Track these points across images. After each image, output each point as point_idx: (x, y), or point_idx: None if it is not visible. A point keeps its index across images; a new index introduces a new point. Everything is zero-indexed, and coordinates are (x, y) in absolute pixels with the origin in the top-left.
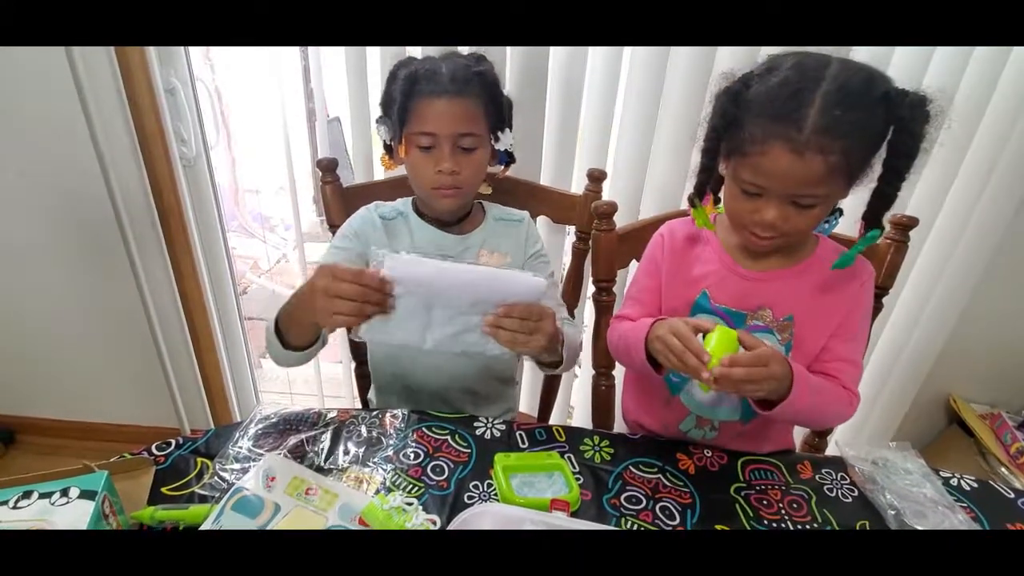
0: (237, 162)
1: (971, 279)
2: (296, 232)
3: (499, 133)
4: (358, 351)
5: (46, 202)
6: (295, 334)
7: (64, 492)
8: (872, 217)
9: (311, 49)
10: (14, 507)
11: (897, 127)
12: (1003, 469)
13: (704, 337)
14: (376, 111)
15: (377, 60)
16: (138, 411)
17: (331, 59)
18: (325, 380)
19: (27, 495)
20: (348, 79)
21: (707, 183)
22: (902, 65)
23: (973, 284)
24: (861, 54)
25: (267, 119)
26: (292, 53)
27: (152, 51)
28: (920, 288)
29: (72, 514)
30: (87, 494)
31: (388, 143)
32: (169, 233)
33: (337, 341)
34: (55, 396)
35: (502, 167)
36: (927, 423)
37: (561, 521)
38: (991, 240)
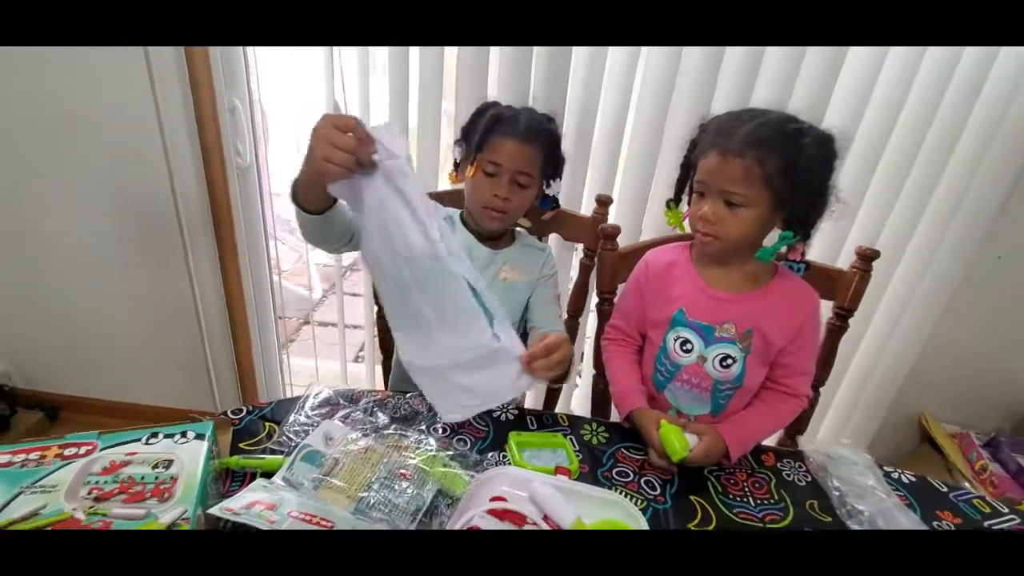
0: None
1: (937, 307)
2: None
3: (551, 181)
4: (386, 346)
5: (113, 198)
6: (305, 194)
7: (183, 434)
8: (784, 221)
9: (356, 56)
10: (146, 443)
11: (797, 148)
12: (966, 484)
13: (660, 430)
14: (420, 119)
15: (416, 68)
16: (173, 395)
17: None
18: (350, 376)
19: (155, 435)
20: (391, 89)
21: (681, 191)
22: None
23: (939, 312)
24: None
25: (291, 125)
26: (320, 60)
27: (219, 71)
28: (890, 313)
29: (192, 450)
30: (200, 436)
31: (459, 162)
32: (219, 232)
33: (357, 340)
34: (100, 377)
35: (549, 211)
36: (900, 441)
37: (565, 483)
38: (957, 270)
